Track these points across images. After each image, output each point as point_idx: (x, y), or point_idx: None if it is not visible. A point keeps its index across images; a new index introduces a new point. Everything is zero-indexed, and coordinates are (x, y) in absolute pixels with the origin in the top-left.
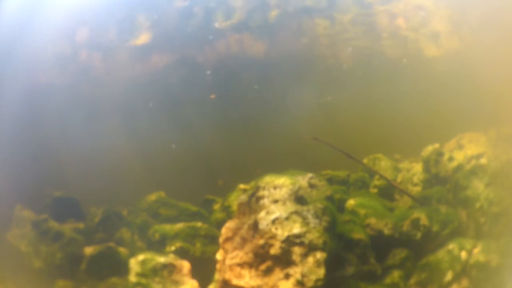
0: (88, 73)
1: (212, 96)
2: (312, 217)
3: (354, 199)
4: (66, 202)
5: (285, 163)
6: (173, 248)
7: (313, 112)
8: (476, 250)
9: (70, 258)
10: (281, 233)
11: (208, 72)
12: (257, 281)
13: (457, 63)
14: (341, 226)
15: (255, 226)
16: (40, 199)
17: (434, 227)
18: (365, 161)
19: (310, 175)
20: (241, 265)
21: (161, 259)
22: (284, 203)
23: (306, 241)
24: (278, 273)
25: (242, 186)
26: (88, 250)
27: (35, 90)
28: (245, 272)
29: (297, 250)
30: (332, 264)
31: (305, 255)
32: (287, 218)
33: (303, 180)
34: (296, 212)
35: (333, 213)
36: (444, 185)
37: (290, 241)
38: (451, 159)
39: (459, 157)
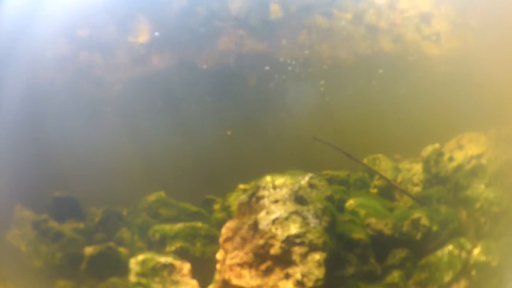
0: (88, 73)
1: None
2: (312, 217)
3: (354, 199)
4: (66, 202)
5: (285, 163)
6: (173, 248)
7: (313, 112)
8: (476, 250)
9: (70, 258)
10: (281, 233)
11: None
12: (257, 281)
13: (457, 63)
14: (341, 226)
15: (255, 226)
16: (40, 199)
17: (434, 227)
18: (365, 161)
19: (310, 175)
20: (241, 265)
21: (161, 259)
22: (284, 203)
23: (306, 241)
24: (278, 273)
25: (242, 186)
26: (88, 250)
27: (35, 90)
28: (245, 272)
29: (297, 250)
30: (332, 264)
31: (305, 255)
32: (287, 218)
33: (303, 180)
34: (296, 212)
35: (333, 213)
36: (444, 185)
37: (290, 241)
38: (451, 159)
39: (459, 157)
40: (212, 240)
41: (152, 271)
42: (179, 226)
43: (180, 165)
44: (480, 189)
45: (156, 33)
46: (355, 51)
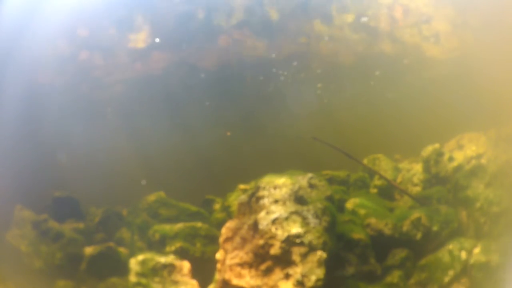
0: (88, 73)
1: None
2: (312, 217)
3: (354, 199)
4: (66, 202)
5: (285, 163)
6: (173, 248)
7: (313, 112)
8: (476, 250)
9: (70, 258)
10: (281, 233)
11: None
12: (257, 281)
13: (457, 63)
14: (341, 226)
15: (255, 226)
16: (40, 199)
17: (434, 227)
18: (365, 161)
19: (310, 175)
20: (241, 265)
21: (161, 259)
22: (284, 203)
23: (306, 241)
24: (278, 273)
25: (242, 186)
26: (88, 250)
27: (35, 91)
28: (245, 272)
29: (297, 250)
30: (332, 264)
31: (305, 255)
32: (287, 218)
33: (303, 180)
34: (296, 212)
35: (333, 213)
36: (444, 185)
37: (290, 241)
38: (451, 159)
39: (459, 157)
40: (212, 240)
41: (152, 271)
42: (179, 226)
43: (180, 165)
44: (480, 189)
45: (157, 39)
46: (353, 52)
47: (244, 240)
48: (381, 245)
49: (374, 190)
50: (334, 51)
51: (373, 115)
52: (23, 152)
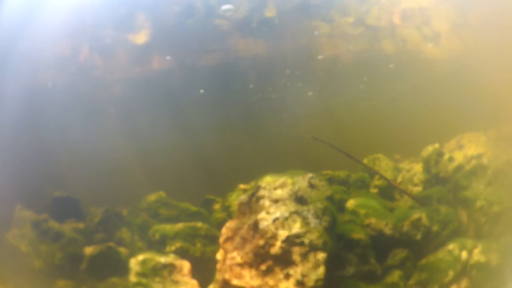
0: (88, 73)
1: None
2: (312, 217)
3: (354, 199)
4: (66, 202)
5: (285, 163)
6: (173, 248)
7: (313, 112)
8: (476, 250)
9: (70, 258)
10: (281, 233)
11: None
12: (257, 281)
13: (457, 64)
14: (341, 226)
15: (255, 226)
16: (40, 199)
17: (434, 227)
18: (365, 161)
19: (310, 175)
20: (241, 265)
21: (161, 259)
22: (284, 203)
23: (306, 241)
24: (278, 273)
25: (242, 186)
26: (88, 250)
27: (35, 90)
28: (245, 272)
29: (297, 250)
30: (332, 264)
31: (305, 255)
32: (287, 218)
33: (303, 180)
34: (296, 212)
35: (333, 213)
36: (444, 185)
37: (290, 241)
38: (451, 159)
39: (459, 157)
40: (212, 240)
41: (152, 271)
42: (179, 226)
43: (180, 164)
44: (480, 189)
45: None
46: (353, 51)
47: (244, 240)
48: (381, 245)
49: (374, 190)
50: (334, 50)
51: (373, 115)
52: (23, 152)
